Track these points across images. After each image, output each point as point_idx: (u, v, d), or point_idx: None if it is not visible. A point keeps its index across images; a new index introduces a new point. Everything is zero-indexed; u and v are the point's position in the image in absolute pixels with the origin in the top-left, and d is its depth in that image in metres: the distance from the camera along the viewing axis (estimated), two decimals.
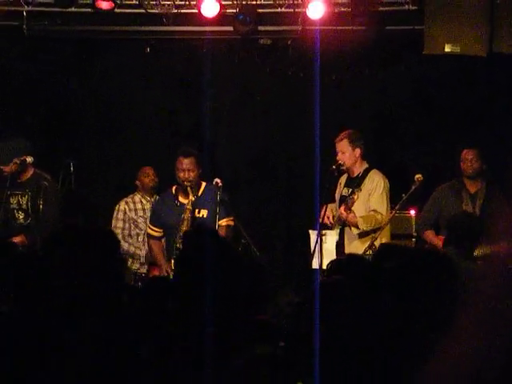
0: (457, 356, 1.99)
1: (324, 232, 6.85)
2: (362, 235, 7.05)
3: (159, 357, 3.11)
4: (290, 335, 3.79)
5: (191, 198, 7.03)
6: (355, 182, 7.22)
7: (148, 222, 7.65)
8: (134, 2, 8.60)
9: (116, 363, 2.99)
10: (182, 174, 7.06)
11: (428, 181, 7.16)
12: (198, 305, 3.38)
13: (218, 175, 7.20)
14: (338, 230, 7.14)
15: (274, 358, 3.49)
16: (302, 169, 8.87)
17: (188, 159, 7.06)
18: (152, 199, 8.27)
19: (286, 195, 9.46)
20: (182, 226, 6.94)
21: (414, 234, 8.12)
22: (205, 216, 7.08)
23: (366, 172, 7.24)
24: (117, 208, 8.31)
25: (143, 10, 8.61)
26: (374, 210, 7.07)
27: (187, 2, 8.56)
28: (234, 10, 8.47)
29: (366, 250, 6.74)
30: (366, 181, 7.18)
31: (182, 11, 8.60)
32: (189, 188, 7.03)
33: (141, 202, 8.31)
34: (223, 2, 8.43)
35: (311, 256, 6.71)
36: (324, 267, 5.98)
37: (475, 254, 6.26)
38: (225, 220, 7.08)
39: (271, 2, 8.56)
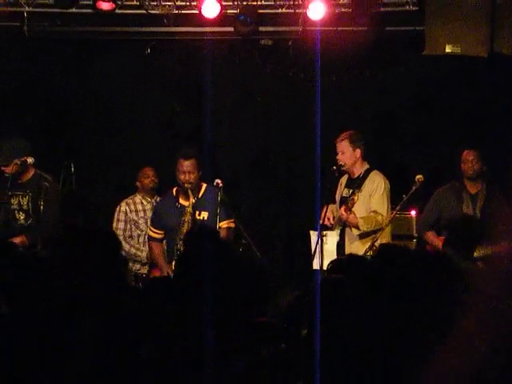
0: (457, 356, 1.99)
1: (325, 233, 6.85)
2: (363, 236, 7.05)
3: (159, 357, 3.11)
4: (291, 336, 3.79)
5: (192, 200, 7.02)
6: (356, 183, 7.22)
7: (149, 224, 7.64)
8: (134, 2, 8.60)
9: (116, 363, 2.99)
10: (182, 177, 7.04)
11: (428, 181, 7.15)
12: (198, 305, 3.38)
13: (219, 176, 7.20)
14: (339, 231, 7.13)
15: (275, 359, 3.49)
16: (302, 169, 8.87)
17: (188, 161, 7.04)
18: (152, 200, 8.26)
19: (286, 195, 9.46)
20: (183, 229, 6.93)
21: (415, 235, 8.12)
22: (205, 218, 7.07)
23: (367, 173, 7.24)
24: (117, 209, 8.30)
25: (144, 11, 8.61)
26: (374, 211, 7.06)
27: (188, 3, 8.56)
28: (235, 11, 8.47)
29: (366, 251, 6.74)
30: (367, 182, 7.18)
31: (183, 12, 8.60)
32: (189, 190, 7.02)
33: (141, 202, 8.31)
34: (224, 3, 8.43)
35: (312, 257, 6.71)
36: (325, 268, 5.99)
37: (475, 254, 6.26)
38: (225, 222, 7.07)
39: (272, 3, 8.56)
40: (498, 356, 1.94)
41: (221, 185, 7.04)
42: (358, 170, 7.25)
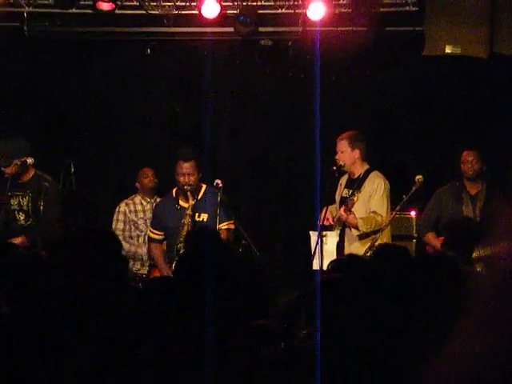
0: (457, 356, 1.99)
1: (324, 233, 6.84)
2: (363, 236, 7.04)
3: (159, 357, 3.11)
4: (291, 336, 3.79)
5: (191, 202, 7.01)
6: (355, 184, 7.21)
7: (149, 225, 7.64)
8: (134, 3, 8.60)
9: (116, 363, 2.99)
10: (182, 179, 7.02)
11: (428, 182, 7.15)
12: (198, 305, 3.38)
13: (219, 176, 7.19)
14: (339, 231, 7.13)
15: (275, 359, 3.49)
16: (302, 169, 8.87)
17: (188, 163, 7.02)
18: (152, 200, 8.27)
19: (286, 195, 9.45)
20: (183, 231, 6.91)
21: (415, 235, 8.12)
22: (205, 220, 7.05)
23: (367, 173, 7.23)
24: (117, 209, 8.31)
25: (144, 11, 8.61)
26: (373, 212, 7.06)
27: (188, 3, 8.56)
28: (235, 11, 8.47)
29: (366, 251, 6.74)
30: (367, 182, 7.18)
31: (183, 12, 8.60)
32: (188, 192, 7.00)
33: (141, 203, 8.31)
34: (224, 3, 8.43)
35: (312, 257, 6.71)
36: (324, 268, 5.99)
37: (474, 255, 6.26)
38: (225, 223, 7.05)
39: (272, 3, 8.56)
40: (498, 356, 1.94)
41: (220, 185, 7.03)
42: (358, 170, 7.24)
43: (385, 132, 9.08)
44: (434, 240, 7.46)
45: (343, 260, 4.69)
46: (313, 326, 3.44)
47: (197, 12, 8.44)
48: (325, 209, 7.00)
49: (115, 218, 8.29)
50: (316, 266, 6.62)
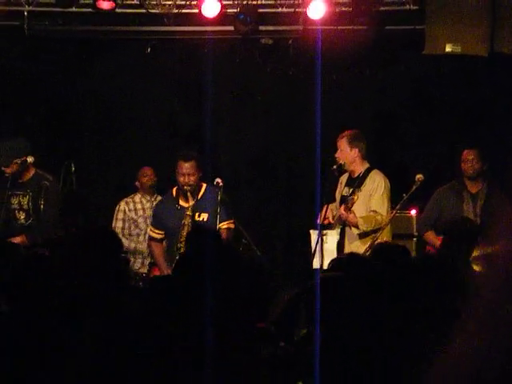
0: (457, 356, 1.98)
1: (325, 232, 6.84)
2: (363, 235, 7.04)
3: (159, 357, 3.10)
4: (290, 335, 3.79)
5: (191, 202, 7.01)
6: (356, 182, 7.21)
7: (150, 224, 7.64)
8: (134, 2, 8.60)
9: (116, 363, 2.99)
10: (182, 179, 7.01)
11: (428, 181, 7.14)
12: (199, 305, 3.38)
13: (219, 175, 7.19)
14: (339, 230, 7.13)
15: (274, 358, 3.49)
16: (302, 169, 8.87)
17: (188, 163, 7.01)
18: (152, 198, 8.27)
19: (286, 195, 9.45)
20: (183, 232, 6.91)
21: (415, 234, 8.12)
22: (205, 219, 7.05)
23: (367, 172, 7.23)
24: (117, 208, 8.32)
25: (144, 10, 8.61)
26: (374, 211, 7.06)
27: (188, 2, 8.56)
28: (235, 10, 8.47)
29: (366, 250, 6.73)
30: (367, 181, 7.17)
31: (183, 11, 8.60)
32: (189, 193, 7.00)
33: (141, 201, 8.32)
34: (224, 2, 8.43)
35: (312, 256, 6.70)
36: (325, 267, 5.98)
37: (474, 254, 6.25)
38: (225, 223, 7.05)
39: (272, 2, 8.56)
40: (497, 356, 1.93)
41: (221, 184, 7.03)
42: (359, 169, 7.24)
43: (385, 131, 9.08)
44: (433, 238, 7.46)
45: (343, 259, 4.69)
46: (312, 325, 3.44)
47: (197, 11, 8.44)
48: (325, 207, 6.99)
49: (115, 216, 8.30)
50: (316, 264, 6.62)
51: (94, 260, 3.75)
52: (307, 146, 7.57)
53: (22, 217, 7.25)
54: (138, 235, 8.22)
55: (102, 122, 9.55)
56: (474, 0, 7.95)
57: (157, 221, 7.37)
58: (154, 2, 8.55)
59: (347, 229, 7.13)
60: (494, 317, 1.91)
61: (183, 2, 8.57)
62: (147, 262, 8.02)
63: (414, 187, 6.93)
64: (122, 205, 8.30)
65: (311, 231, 6.95)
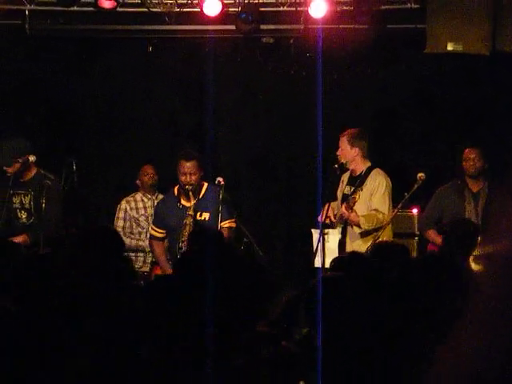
0: (457, 356, 1.98)
1: (326, 231, 6.84)
2: (365, 234, 7.03)
3: (159, 357, 3.10)
4: (291, 335, 3.78)
5: (192, 201, 7.00)
6: (357, 181, 7.20)
7: (151, 223, 7.64)
8: (136, 0, 8.60)
9: (116, 363, 2.99)
10: (183, 178, 7.01)
11: (429, 180, 7.14)
12: (199, 305, 3.38)
13: (219, 174, 7.19)
14: (341, 229, 7.12)
15: (275, 359, 3.48)
16: (302, 169, 8.87)
17: (190, 163, 7.00)
18: (153, 197, 8.27)
19: (286, 195, 9.45)
20: (184, 231, 6.91)
21: (417, 233, 8.12)
22: (207, 219, 7.05)
23: (369, 171, 7.22)
24: (118, 207, 8.32)
25: (145, 9, 8.61)
26: (375, 210, 7.05)
27: (189, 1, 8.56)
28: (237, 9, 8.46)
29: (368, 249, 6.73)
30: (369, 180, 7.17)
31: (185, 10, 8.60)
32: (190, 192, 7.00)
33: (142, 200, 8.32)
34: (225, 1, 8.42)
35: (313, 255, 6.70)
36: (327, 266, 5.98)
37: (475, 253, 6.24)
38: (227, 222, 7.05)
39: (273, 1, 8.56)
40: (497, 356, 1.93)
41: (222, 183, 7.03)
42: (360, 167, 7.23)
43: (386, 130, 9.07)
44: (435, 237, 7.45)
45: (345, 258, 4.69)
46: (312, 325, 3.44)
47: (198, 10, 8.43)
48: (326, 206, 6.99)
49: (116, 215, 8.30)
50: (318, 263, 6.62)
51: (95, 260, 3.75)
52: (308, 146, 7.58)
53: (24, 216, 7.25)
54: (140, 234, 8.22)
55: (103, 121, 9.55)
56: None
57: (158, 219, 7.37)
58: (156, 1, 8.55)
59: (349, 227, 7.13)
60: (494, 314, 1.91)
61: (185, 1, 8.57)
62: (149, 260, 8.03)
63: (416, 186, 6.92)
64: (123, 203, 8.30)
65: (313, 230, 6.95)
